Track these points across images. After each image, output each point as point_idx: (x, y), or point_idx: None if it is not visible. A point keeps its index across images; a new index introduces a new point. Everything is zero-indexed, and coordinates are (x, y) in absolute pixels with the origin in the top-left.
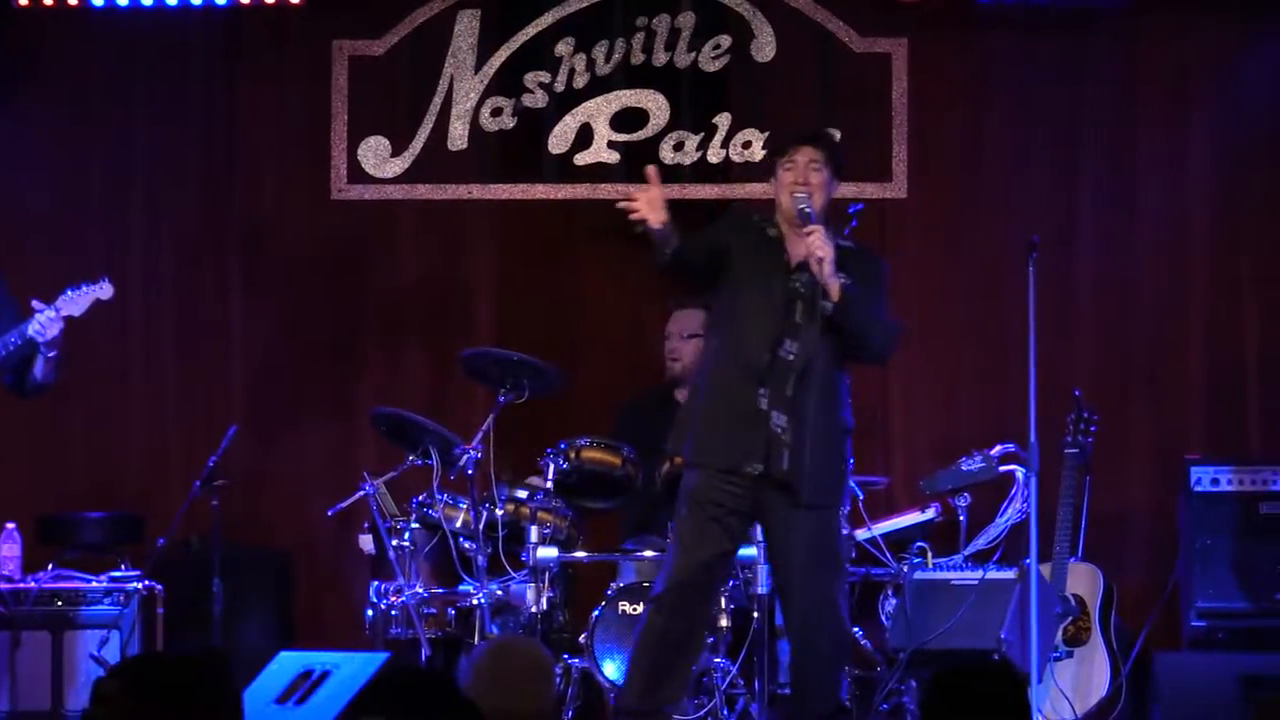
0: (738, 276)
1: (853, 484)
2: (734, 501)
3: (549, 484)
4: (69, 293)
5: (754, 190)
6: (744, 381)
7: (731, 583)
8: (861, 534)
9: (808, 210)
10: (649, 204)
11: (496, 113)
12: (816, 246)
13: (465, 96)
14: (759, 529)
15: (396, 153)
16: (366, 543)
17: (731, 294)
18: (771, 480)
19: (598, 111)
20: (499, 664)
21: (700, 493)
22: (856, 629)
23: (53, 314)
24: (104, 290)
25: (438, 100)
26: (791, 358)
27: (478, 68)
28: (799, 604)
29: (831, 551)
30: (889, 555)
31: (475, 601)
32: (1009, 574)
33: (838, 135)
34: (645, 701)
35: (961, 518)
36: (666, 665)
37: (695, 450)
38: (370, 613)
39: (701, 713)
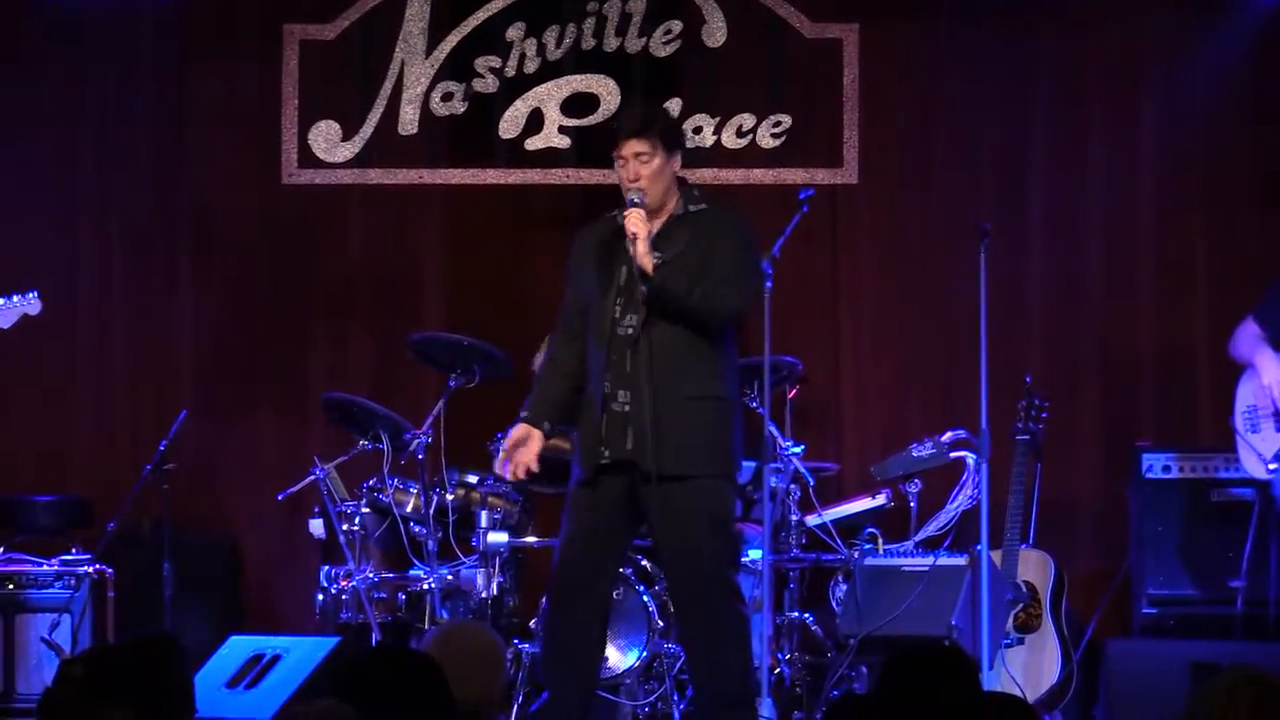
0: (584, 285)
1: (804, 470)
2: (602, 505)
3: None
4: None
5: (704, 175)
6: (595, 379)
7: None
8: (812, 520)
9: (634, 200)
10: (521, 464)
11: (447, 97)
12: (629, 225)
13: (416, 81)
14: None
15: (347, 137)
16: (317, 527)
17: (583, 306)
18: (624, 463)
19: (548, 96)
20: (450, 649)
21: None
22: (807, 615)
23: None
24: (31, 305)
25: (388, 85)
26: (630, 332)
27: (428, 52)
28: (680, 581)
29: (709, 523)
30: (840, 541)
31: (426, 586)
32: (960, 560)
33: (673, 107)
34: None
35: (912, 504)
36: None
37: (572, 474)
38: (320, 597)
39: (652, 698)
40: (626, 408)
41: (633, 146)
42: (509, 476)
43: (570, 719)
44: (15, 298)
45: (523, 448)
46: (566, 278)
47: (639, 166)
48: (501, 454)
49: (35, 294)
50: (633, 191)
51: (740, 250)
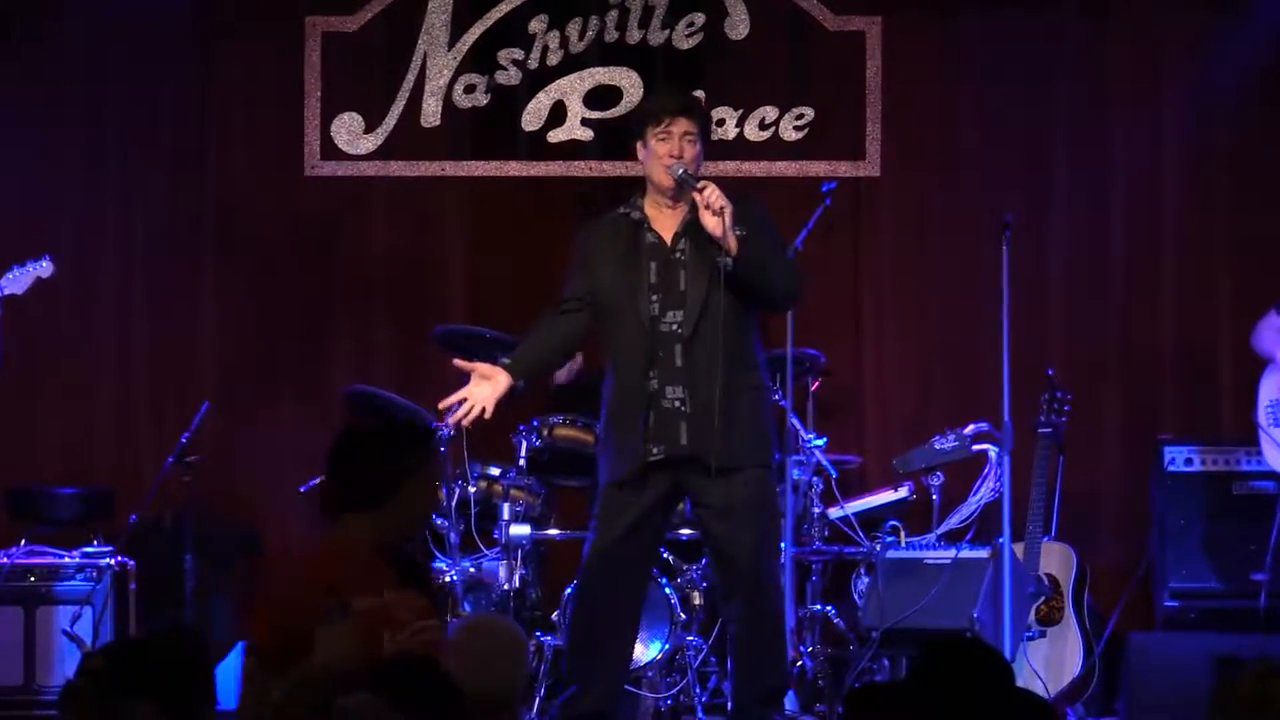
0: (603, 283)
1: (826, 462)
2: (643, 502)
3: (521, 461)
4: (13, 272)
5: (727, 168)
6: (633, 377)
7: (704, 560)
8: (835, 513)
9: (687, 173)
10: (478, 403)
11: (470, 90)
12: (717, 198)
13: (439, 73)
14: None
15: (370, 129)
16: None
17: (603, 304)
18: (676, 459)
19: (571, 89)
20: (472, 642)
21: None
22: (829, 608)
23: None
24: (44, 269)
25: (411, 77)
26: (677, 328)
27: (451, 44)
28: (731, 575)
29: (763, 519)
30: (862, 534)
31: (448, 579)
32: (982, 553)
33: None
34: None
35: (935, 497)
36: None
37: (606, 473)
38: None
39: (674, 690)
40: (678, 404)
41: (683, 124)
42: (455, 419)
43: (598, 713)
44: (29, 264)
45: (486, 382)
46: (573, 265)
47: (686, 145)
48: (468, 389)
49: (47, 258)
50: (677, 164)
51: (774, 234)
